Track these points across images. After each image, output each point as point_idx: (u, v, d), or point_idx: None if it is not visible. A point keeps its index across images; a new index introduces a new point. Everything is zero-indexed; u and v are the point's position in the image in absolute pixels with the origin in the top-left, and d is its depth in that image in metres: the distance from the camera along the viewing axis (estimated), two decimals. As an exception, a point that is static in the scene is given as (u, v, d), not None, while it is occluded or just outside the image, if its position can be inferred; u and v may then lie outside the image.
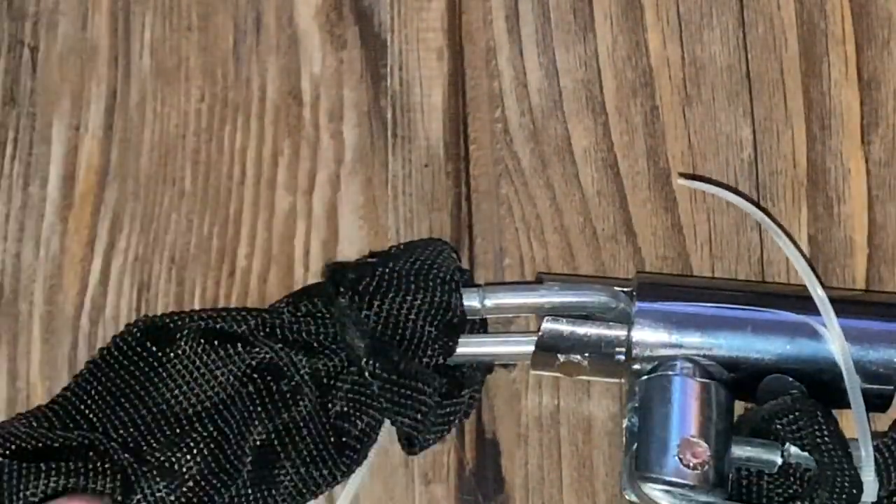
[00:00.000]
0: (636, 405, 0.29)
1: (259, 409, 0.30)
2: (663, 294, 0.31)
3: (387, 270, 0.30)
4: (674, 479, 0.27)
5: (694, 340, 0.29)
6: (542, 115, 0.36)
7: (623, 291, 0.30)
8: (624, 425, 0.30)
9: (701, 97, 0.36)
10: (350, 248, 0.34)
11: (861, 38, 0.36)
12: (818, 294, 0.29)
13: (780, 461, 0.28)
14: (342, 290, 0.30)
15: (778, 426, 0.28)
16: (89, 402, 0.31)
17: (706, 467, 0.27)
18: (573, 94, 0.36)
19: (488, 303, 0.31)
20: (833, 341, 0.28)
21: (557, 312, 0.30)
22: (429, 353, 0.30)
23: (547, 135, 0.36)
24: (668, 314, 0.30)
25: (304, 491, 0.30)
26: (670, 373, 0.29)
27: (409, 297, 0.30)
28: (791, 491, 0.29)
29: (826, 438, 0.27)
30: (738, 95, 0.36)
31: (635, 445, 0.28)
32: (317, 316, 0.31)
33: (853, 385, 0.28)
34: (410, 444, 0.30)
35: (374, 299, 0.30)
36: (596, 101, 0.36)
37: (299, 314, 0.31)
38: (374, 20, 0.37)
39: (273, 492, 0.30)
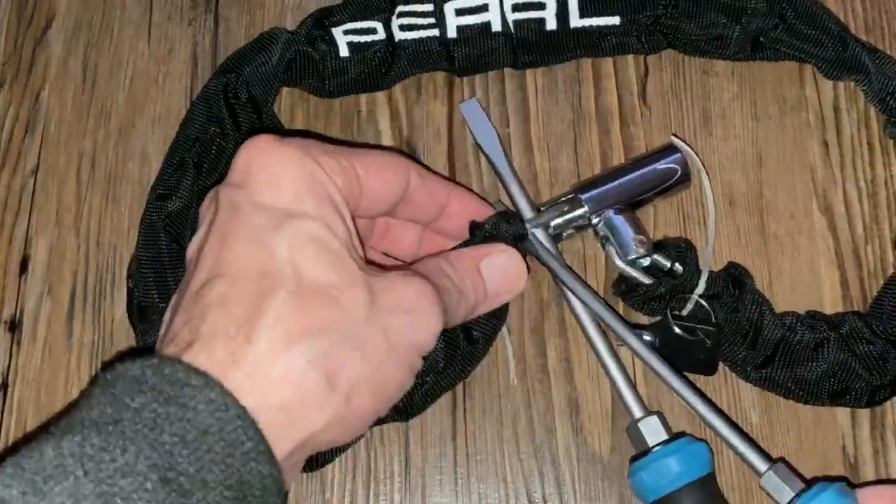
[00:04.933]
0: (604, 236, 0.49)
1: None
2: (591, 186, 0.50)
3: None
4: (632, 256, 0.48)
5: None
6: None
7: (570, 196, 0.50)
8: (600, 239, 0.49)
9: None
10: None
11: None
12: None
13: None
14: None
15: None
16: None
17: (646, 248, 0.48)
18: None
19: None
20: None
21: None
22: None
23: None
24: (599, 194, 0.50)
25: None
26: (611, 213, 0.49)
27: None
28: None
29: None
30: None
31: (613, 251, 0.48)
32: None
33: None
34: None
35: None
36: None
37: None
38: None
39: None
